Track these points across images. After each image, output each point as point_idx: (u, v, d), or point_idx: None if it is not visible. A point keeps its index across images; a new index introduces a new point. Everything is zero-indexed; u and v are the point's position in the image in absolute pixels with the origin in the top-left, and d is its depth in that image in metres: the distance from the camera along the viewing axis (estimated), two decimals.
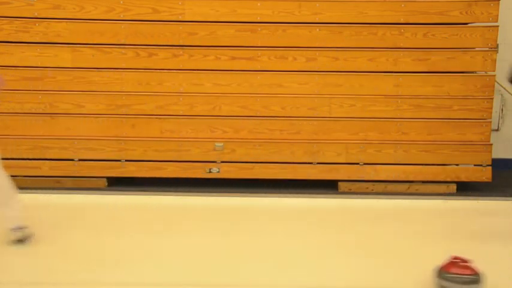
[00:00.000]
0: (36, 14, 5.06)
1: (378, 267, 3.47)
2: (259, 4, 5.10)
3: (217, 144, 5.21)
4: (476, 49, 5.18)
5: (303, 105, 5.22)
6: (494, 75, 5.22)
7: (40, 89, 5.16)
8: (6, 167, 5.19)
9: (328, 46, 5.15)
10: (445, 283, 3.05)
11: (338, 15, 5.11)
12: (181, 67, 5.17)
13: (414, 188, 5.26)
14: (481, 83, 5.21)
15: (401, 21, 5.14)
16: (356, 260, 3.56)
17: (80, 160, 5.23)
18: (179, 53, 5.14)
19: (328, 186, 5.24)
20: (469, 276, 3.04)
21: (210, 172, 5.24)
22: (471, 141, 5.25)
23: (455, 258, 3.13)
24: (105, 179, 5.24)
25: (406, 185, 5.26)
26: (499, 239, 3.99)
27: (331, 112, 5.23)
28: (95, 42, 5.12)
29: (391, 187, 5.26)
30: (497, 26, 5.13)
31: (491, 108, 5.25)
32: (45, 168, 5.22)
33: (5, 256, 3.58)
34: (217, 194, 4.91)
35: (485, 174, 5.28)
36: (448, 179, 5.28)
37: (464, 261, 3.10)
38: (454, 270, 3.06)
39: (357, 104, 5.22)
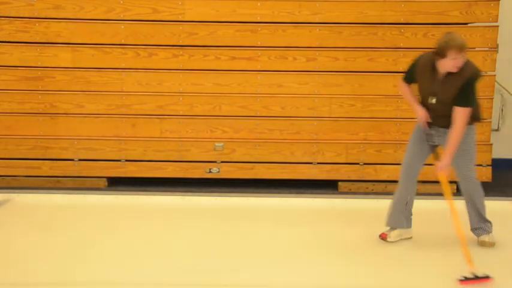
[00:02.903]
0: (36, 14, 5.06)
1: (377, 267, 3.47)
2: (259, 4, 5.10)
3: (217, 144, 5.21)
4: (476, 49, 5.18)
5: (303, 105, 5.22)
6: (494, 75, 5.22)
7: (40, 89, 5.16)
8: (6, 167, 5.23)
9: (328, 46, 5.15)
10: None
11: (338, 15, 5.11)
12: (181, 67, 5.17)
13: None
14: (481, 83, 5.17)
15: (401, 21, 5.14)
16: (356, 260, 3.56)
17: (80, 160, 5.24)
18: (179, 53, 5.14)
19: (328, 186, 5.24)
20: None
21: (210, 172, 5.24)
22: None
23: None
24: (105, 179, 5.24)
25: None
26: (499, 239, 3.99)
27: (331, 112, 5.23)
28: (95, 42, 5.12)
29: (391, 187, 5.23)
30: (497, 26, 5.13)
31: (491, 108, 5.25)
32: (45, 168, 5.22)
33: None
34: (217, 194, 4.91)
35: (485, 174, 5.27)
36: (448, 179, 5.27)
37: None
38: None
39: (357, 104, 5.22)
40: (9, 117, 5.19)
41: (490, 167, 5.26)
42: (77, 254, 3.58)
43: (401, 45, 5.15)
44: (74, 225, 4.13)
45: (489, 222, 3.86)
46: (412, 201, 3.92)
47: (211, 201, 4.76)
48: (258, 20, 5.11)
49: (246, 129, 5.22)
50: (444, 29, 5.10)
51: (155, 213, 4.44)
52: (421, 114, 3.71)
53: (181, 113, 5.21)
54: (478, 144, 5.14)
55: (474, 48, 5.17)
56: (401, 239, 3.87)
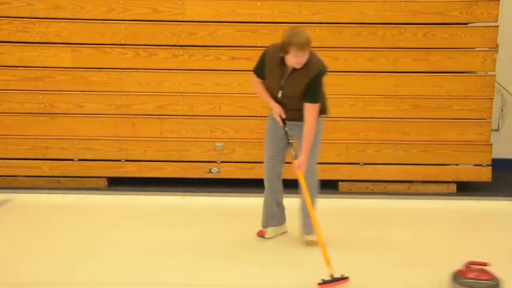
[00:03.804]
0: (36, 14, 5.06)
1: (377, 267, 3.47)
2: (259, 4, 5.10)
3: (217, 144, 5.21)
4: (476, 49, 5.19)
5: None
6: (494, 75, 5.22)
7: (40, 89, 5.16)
8: (6, 167, 5.23)
9: (328, 46, 5.15)
10: None
11: (338, 15, 5.11)
12: (181, 67, 5.17)
13: (414, 188, 5.26)
14: (481, 83, 5.21)
15: (401, 21, 5.14)
16: (355, 260, 3.56)
17: (80, 160, 5.24)
18: (179, 53, 5.14)
19: (328, 186, 5.24)
20: (487, 282, 2.95)
21: (210, 172, 5.24)
22: (471, 141, 5.25)
23: (472, 262, 3.04)
24: (105, 179, 5.24)
25: (406, 185, 5.26)
26: (499, 239, 3.99)
27: (331, 112, 5.21)
28: (95, 42, 5.12)
29: (391, 187, 5.26)
30: (497, 26, 5.13)
31: (491, 108, 5.25)
32: (45, 168, 5.22)
33: None
34: (217, 194, 4.91)
35: (485, 174, 5.28)
36: (448, 179, 5.29)
37: (483, 264, 3.02)
38: (471, 275, 2.97)
39: (357, 104, 5.22)
40: (9, 117, 5.19)
41: (490, 167, 5.27)
42: (76, 254, 3.57)
43: (401, 45, 5.15)
44: (74, 225, 4.13)
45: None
46: (282, 197, 3.91)
47: (211, 201, 4.76)
48: (258, 20, 5.11)
49: (246, 129, 5.22)
50: (444, 29, 5.13)
51: (155, 213, 4.44)
52: (276, 111, 3.68)
53: (181, 113, 5.21)
54: (478, 144, 5.26)
55: (474, 48, 5.18)
56: (278, 234, 3.91)
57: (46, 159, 5.22)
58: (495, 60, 5.16)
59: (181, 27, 5.11)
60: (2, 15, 5.06)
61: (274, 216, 3.89)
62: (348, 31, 5.14)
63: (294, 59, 3.41)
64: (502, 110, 5.86)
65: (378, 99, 5.22)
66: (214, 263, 3.48)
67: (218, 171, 5.24)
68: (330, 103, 5.19)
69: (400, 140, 5.25)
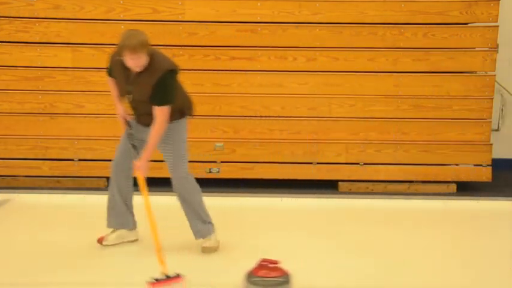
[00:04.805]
0: (36, 14, 5.06)
1: (377, 267, 3.47)
2: (259, 4, 5.10)
3: (217, 144, 5.21)
4: (476, 49, 5.19)
5: (303, 105, 5.22)
6: (494, 75, 5.22)
7: (40, 89, 5.16)
8: (6, 167, 5.23)
9: (328, 46, 5.15)
10: (252, 287, 3.00)
11: (338, 15, 5.11)
12: (181, 67, 5.15)
13: (414, 188, 5.26)
14: (481, 83, 5.21)
15: (401, 21, 5.14)
16: (355, 260, 3.56)
17: (80, 160, 5.24)
18: (179, 53, 5.13)
19: (328, 186, 5.25)
20: (276, 279, 3.00)
21: (210, 172, 5.24)
22: (471, 141, 5.25)
23: (264, 260, 3.07)
24: (105, 179, 5.23)
25: (406, 185, 5.26)
26: (499, 239, 3.99)
27: (331, 112, 5.23)
28: (95, 42, 5.12)
29: (391, 187, 5.26)
30: (497, 26, 5.13)
31: (491, 108, 5.25)
32: (45, 168, 5.22)
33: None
34: (217, 194, 4.90)
35: (485, 174, 5.28)
36: (448, 179, 5.29)
37: (273, 263, 3.05)
38: (261, 273, 3.01)
39: (357, 104, 5.22)
40: (9, 117, 5.19)
41: (490, 167, 5.27)
42: (77, 254, 3.57)
43: (401, 45, 5.15)
44: (74, 225, 4.13)
45: (210, 223, 3.69)
46: (131, 200, 3.75)
47: (211, 201, 4.74)
48: (258, 20, 5.11)
49: (246, 129, 5.22)
50: (444, 29, 5.13)
51: (155, 213, 4.43)
52: (118, 112, 3.62)
53: None
54: (478, 144, 5.27)
55: (474, 48, 5.19)
56: (124, 242, 3.72)
57: (46, 159, 5.22)
58: (495, 60, 5.17)
59: (181, 27, 5.11)
60: (2, 15, 5.06)
61: (123, 217, 3.71)
62: (348, 31, 5.14)
63: (131, 62, 3.24)
64: (502, 110, 5.86)
65: (378, 99, 5.23)
66: (214, 262, 3.48)
67: (218, 171, 5.24)
68: (329, 103, 5.25)
69: (400, 140, 5.25)
